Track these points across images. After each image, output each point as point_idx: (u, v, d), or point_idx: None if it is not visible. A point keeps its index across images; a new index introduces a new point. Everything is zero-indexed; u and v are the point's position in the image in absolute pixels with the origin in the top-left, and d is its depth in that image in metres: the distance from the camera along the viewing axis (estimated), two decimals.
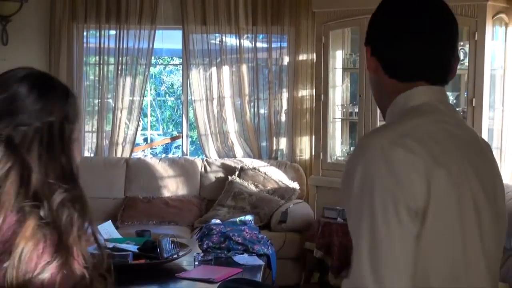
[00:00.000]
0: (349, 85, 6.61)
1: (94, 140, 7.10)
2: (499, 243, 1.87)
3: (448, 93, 6.05)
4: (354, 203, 1.70)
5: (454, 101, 5.96)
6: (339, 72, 6.48)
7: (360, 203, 1.68)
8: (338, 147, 6.58)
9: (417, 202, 1.65)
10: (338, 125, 6.53)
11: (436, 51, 1.83)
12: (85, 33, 7.01)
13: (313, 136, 6.71)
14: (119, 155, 7.02)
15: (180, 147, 7.77)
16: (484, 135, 5.51)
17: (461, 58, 5.72)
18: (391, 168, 1.66)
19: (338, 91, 6.49)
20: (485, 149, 1.91)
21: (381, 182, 1.66)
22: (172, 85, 12.12)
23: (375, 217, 1.65)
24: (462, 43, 5.77)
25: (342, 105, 6.49)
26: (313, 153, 6.69)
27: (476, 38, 5.53)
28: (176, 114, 11.65)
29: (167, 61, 10.50)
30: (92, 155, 7.07)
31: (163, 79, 12.11)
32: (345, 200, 1.73)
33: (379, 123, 5.67)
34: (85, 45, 7.03)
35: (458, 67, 1.95)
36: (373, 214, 1.65)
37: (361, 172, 1.68)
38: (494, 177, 1.88)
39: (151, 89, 10.63)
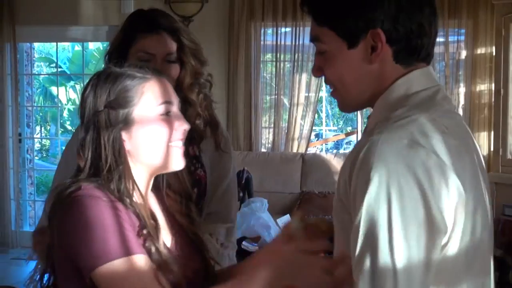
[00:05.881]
0: None
1: (270, 135, 7.26)
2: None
3: None
4: None
5: None
6: None
7: None
8: None
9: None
10: None
11: (434, 27, 1.57)
12: (262, 31, 7.18)
13: (492, 132, 6.52)
14: (294, 150, 7.15)
15: (352, 143, 7.77)
16: None
17: None
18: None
19: None
20: None
21: None
22: None
23: None
24: None
25: None
26: (492, 149, 6.50)
27: None
28: None
29: None
30: (268, 151, 7.24)
31: None
32: None
33: None
34: (262, 42, 7.19)
35: None
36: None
37: None
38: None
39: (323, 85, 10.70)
